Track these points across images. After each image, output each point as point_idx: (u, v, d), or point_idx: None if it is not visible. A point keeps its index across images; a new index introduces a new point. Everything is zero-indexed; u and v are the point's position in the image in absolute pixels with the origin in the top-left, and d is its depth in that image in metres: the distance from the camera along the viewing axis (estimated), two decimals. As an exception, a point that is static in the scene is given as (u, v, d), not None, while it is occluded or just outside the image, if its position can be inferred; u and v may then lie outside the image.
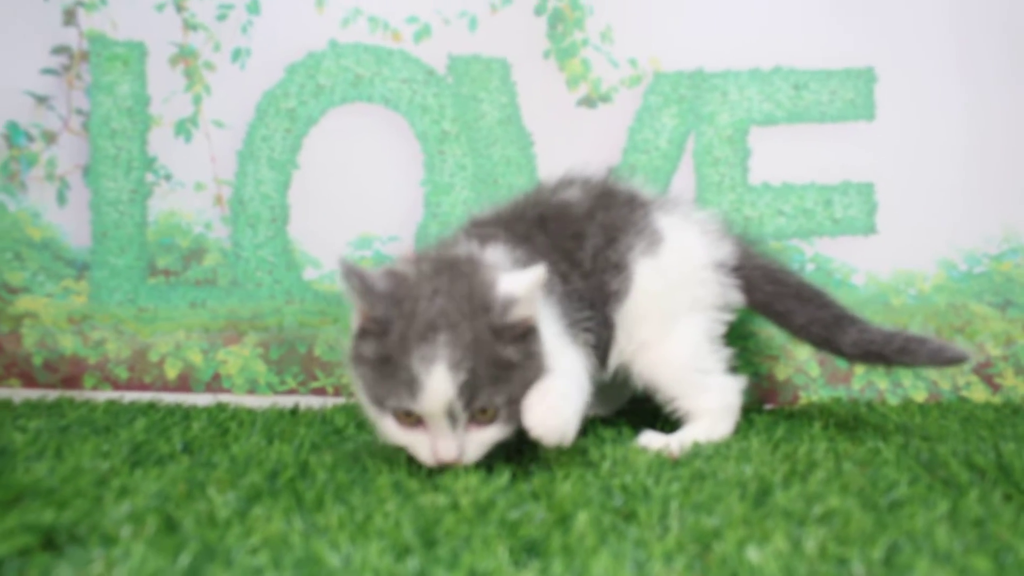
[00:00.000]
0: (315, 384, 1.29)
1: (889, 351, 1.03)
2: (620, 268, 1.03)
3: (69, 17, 1.30)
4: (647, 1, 1.28)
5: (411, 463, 0.86)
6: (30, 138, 1.30)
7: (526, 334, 0.84)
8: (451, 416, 0.81)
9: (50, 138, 1.30)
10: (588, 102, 1.29)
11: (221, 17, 1.29)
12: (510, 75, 1.29)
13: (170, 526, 0.66)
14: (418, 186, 1.28)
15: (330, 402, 1.24)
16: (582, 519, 0.67)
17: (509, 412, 0.83)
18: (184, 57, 1.30)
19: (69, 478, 0.78)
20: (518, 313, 0.82)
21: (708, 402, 1.05)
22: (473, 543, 0.62)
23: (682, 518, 0.69)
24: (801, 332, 1.09)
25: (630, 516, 0.71)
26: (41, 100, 1.30)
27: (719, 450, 0.96)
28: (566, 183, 1.09)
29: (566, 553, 0.61)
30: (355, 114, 1.29)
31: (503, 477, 0.79)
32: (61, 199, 1.30)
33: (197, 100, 1.29)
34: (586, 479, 0.82)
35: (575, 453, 0.93)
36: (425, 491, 0.76)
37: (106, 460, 0.88)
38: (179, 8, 1.29)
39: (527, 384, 0.84)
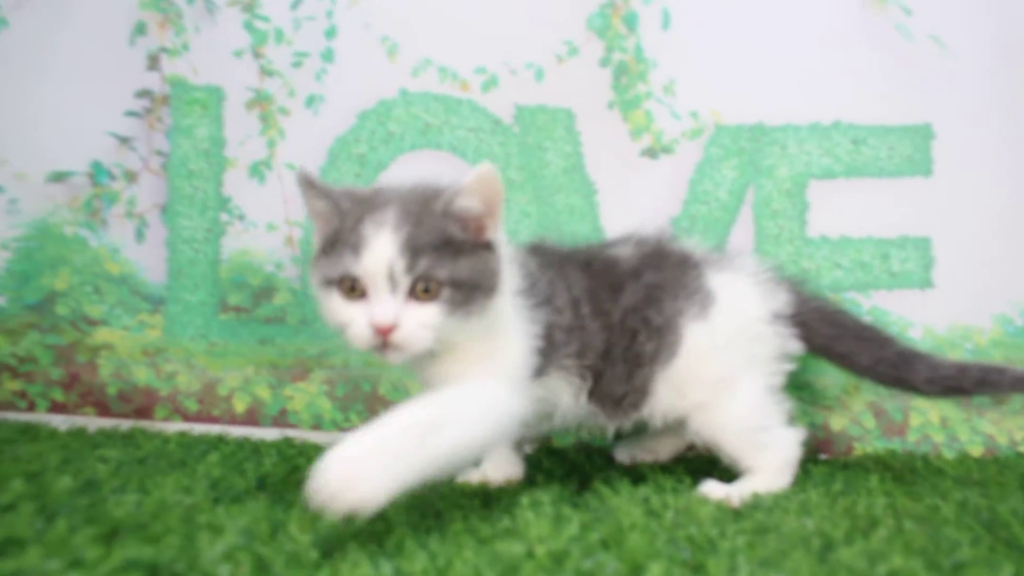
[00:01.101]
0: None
1: (968, 383, 1.05)
2: (664, 331, 1.03)
3: (152, 62, 1.35)
4: (709, 55, 1.31)
5: (484, 507, 0.88)
6: (112, 177, 1.35)
7: (481, 237, 0.89)
8: (392, 280, 0.84)
9: (131, 177, 1.35)
10: (651, 153, 1.32)
11: (296, 64, 1.34)
12: (575, 125, 1.33)
13: (262, 566, 0.70)
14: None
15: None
16: (655, 571, 0.69)
17: (452, 296, 0.86)
18: (260, 102, 1.35)
19: (158, 513, 0.82)
20: (464, 202, 0.88)
21: (769, 459, 1.06)
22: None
23: (751, 573, 0.71)
24: (868, 373, 1.10)
25: (699, 568, 0.73)
26: (123, 141, 1.35)
27: (779, 502, 0.98)
28: (622, 240, 1.11)
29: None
30: (423, 161, 1.33)
31: (573, 525, 0.82)
32: (140, 236, 1.35)
33: (271, 144, 1.34)
34: (651, 529, 0.84)
35: (638, 502, 0.95)
36: (500, 538, 0.79)
37: (188, 495, 0.92)
38: (256, 55, 1.35)
39: (477, 280, 0.87)
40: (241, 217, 1.34)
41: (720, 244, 1.31)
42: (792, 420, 1.09)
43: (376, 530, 0.80)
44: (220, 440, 1.23)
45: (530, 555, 0.73)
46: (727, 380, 1.04)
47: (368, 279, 0.85)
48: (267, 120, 1.34)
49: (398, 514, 0.85)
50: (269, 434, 1.29)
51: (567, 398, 1.02)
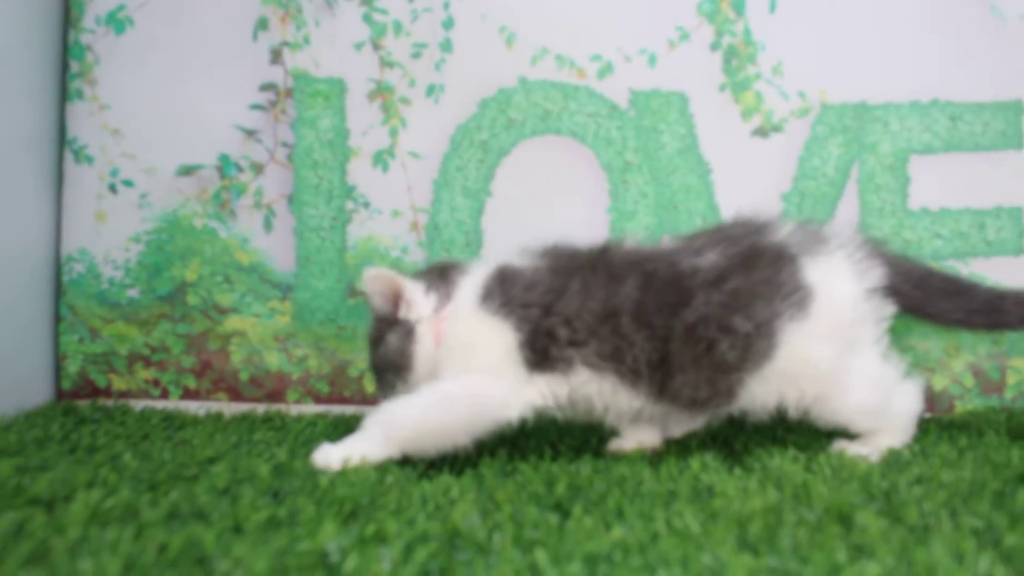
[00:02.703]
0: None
1: None
2: (754, 337, 1.01)
3: (276, 56, 1.39)
4: (815, 38, 1.37)
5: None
6: (240, 169, 1.39)
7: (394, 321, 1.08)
8: None
9: (258, 169, 1.39)
10: (761, 132, 1.38)
11: (416, 55, 1.39)
12: (688, 108, 1.38)
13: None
14: (604, 213, 1.37)
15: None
16: (864, 519, 0.76)
17: (379, 382, 1.12)
18: (381, 92, 1.39)
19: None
20: (374, 302, 1.10)
21: (894, 420, 1.11)
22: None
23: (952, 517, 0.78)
24: (962, 325, 1.15)
25: (897, 518, 0.80)
26: (250, 134, 1.39)
27: (917, 457, 1.05)
28: (712, 241, 1.07)
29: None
30: (544, 146, 1.38)
31: (768, 487, 0.88)
32: (268, 226, 1.39)
33: (394, 133, 1.39)
34: (832, 483, 0.90)
35: (793, 461, 1.02)
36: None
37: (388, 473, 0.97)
38: (376, 47, 1.39)
39: (384, 364, 1.08)
40: (366, 205, 1.39)
41: (828, 218, 1.37)
42: (907, 373, 1.13)
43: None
44: (355, 420, 1.28)
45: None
46: (838, 369, 1.05)
47: None
48: (389, 110, 1.39)
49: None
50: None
51: (623, 397, 1.04)
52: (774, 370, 1.03)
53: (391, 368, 1.07)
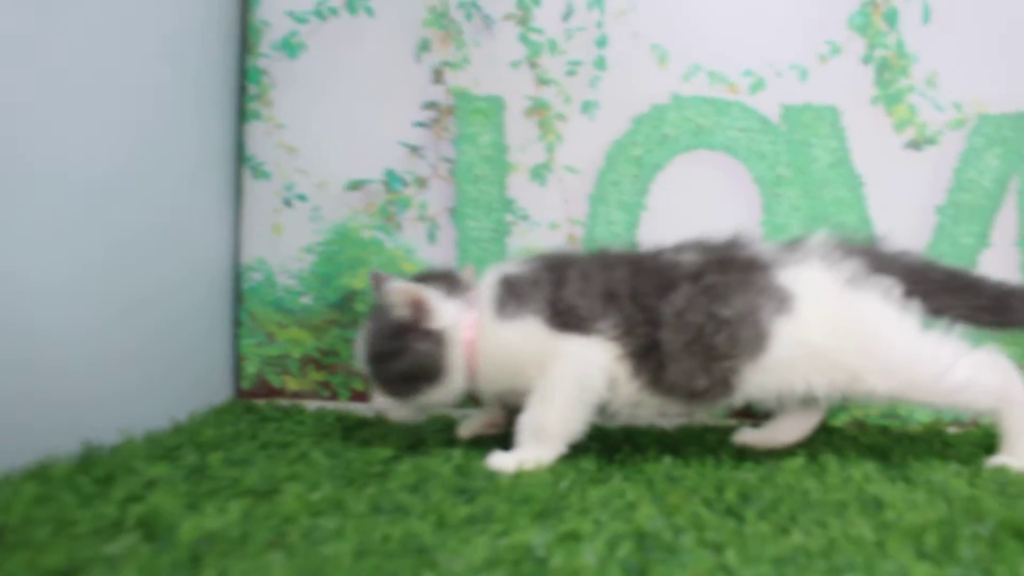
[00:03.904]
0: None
1: None
2: (738, 324, 1.07)
3: (437, 76, 1.47)
4: (971, 47, 1.37)
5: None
6: (405, 184, 1.47)
7: (420, 332, 1.12)
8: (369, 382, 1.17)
9: (422, 183, 1.47)
10: (914, 144, 1.39)
11: (571, 73, 1.44)
12: (839, 121, 1.40)
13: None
14: (757, 226, 1.40)
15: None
16: None
17: (394, 391, 1.16)
18: (538, 109, 1.45)
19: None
20: (396, 313, 1.12)
21: (974, 394, 1.08)
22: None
23: None
24: (968, 321, 1.11)
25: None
26: (414, 150, 1.47)
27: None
28: (682, 247, 1.15)
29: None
30: (698, 160, 1.42)
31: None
32: (431, 237, 1.47)
33: (550, 148, 1.44)
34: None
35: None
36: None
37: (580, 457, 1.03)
38: (532, 65, 1.45)
39: (411, 373, 1.12)
40: (525, 217, 1.45)
41: (984, 231, 1.37)
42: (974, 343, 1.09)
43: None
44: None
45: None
46: (856, 352, 1.07)
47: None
48: (545, 126, 1.45)
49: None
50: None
51: (624, 386, 1.10)
52: (773, 360, 1.07)
53: (424, 374, 1.12)
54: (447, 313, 1.12)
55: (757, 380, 1.09)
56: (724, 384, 1.09)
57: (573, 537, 0.76)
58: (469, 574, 0.66)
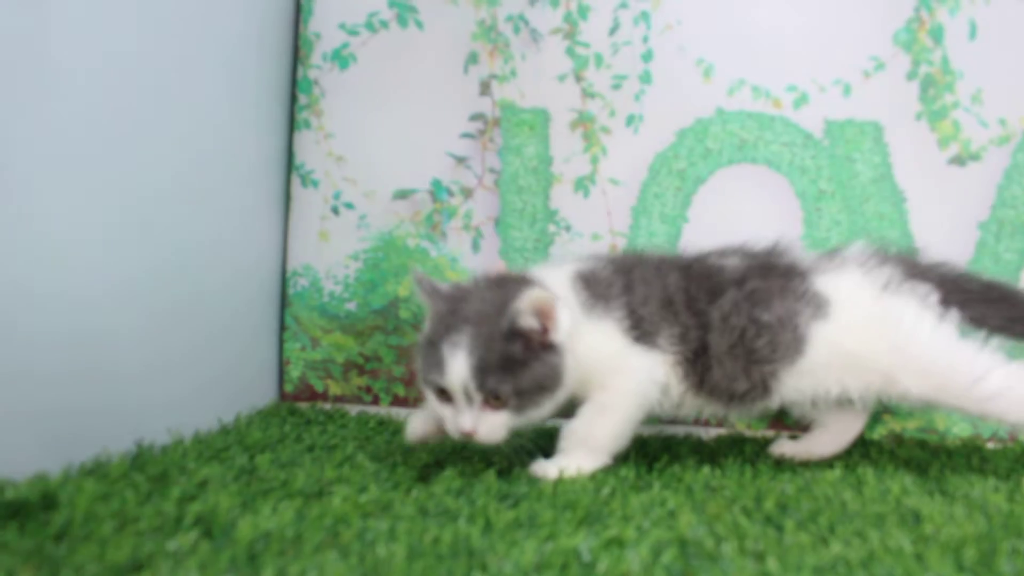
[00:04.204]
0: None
1: None
2: (778, 328, 1.10)
3: (484, 88, 1.49)
4: (1018, 63, 1.38)
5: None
6: (451, 193, 1.50)
7: (542, 343, 1.04)
8: (467, 395, 1.02)
9: (467, 193, 1.50)
10: (958, 160, 1.39)
11: (616, 87, 1.46)
12: (883, 137, 1.41)
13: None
14: (799, 240, 1.41)
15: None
16: None
17: (518, 403, 1.03)
18: (583, 122, 1.47)
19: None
20: (523, 322, 1.03)
21: (1008, 405, 1.09)
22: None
23: None
24: (1003, 332, 1.13)
25: None
26: (460, 160, 1.50)
27: None
28: (726, 252, 1.19)
29: None
30: (740, 175, 1.43)
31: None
32: (475, 247, 1.50)
33: (594, 160, 1.47)
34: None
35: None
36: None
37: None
38: (578, 79, 1.47)
39: (539, 385, 1.04)
40: (568, 228, 1.47)
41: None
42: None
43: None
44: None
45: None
46: (889, 353, 1.09)
47: (451, 392, 1.04)
48: (590, 138, 1.47)
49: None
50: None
51: (674, 390, 1.14)
52: (809, 363, 1.11)
53: (547, 387, 1.05)
54: (566, 320, 1.06)
55: (793, 383, 1.12)
56: (763, 387, 1.13)
57: (617, 543, 0.78)
58: (519, 576, 0.68)
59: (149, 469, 1.01)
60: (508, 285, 1.09)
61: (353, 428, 1.36)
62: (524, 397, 1.04)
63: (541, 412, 1.07)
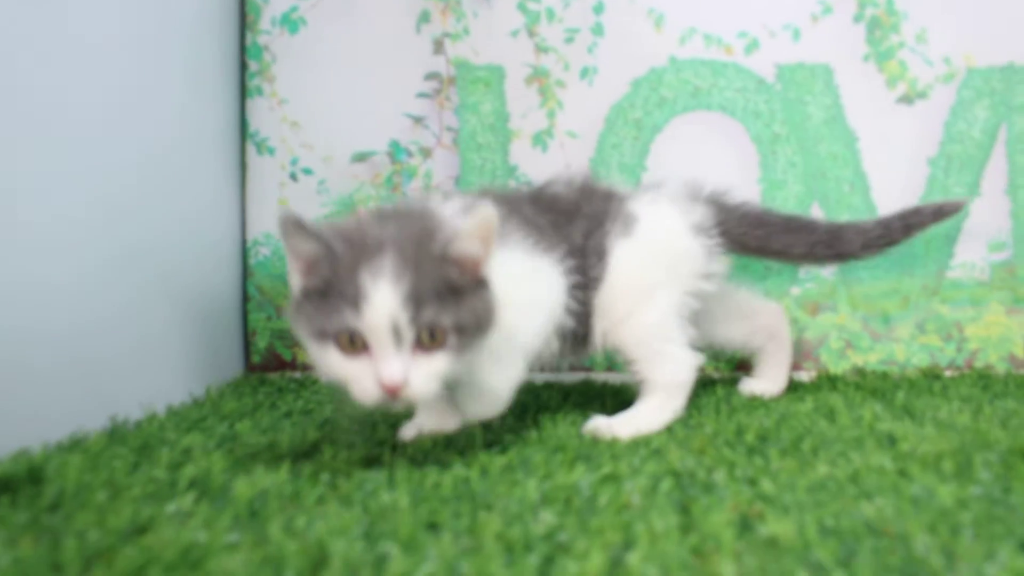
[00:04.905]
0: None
1: (896, 233, 1.23)
2: (600, 254, 1.09)
3: (438, 47, 1.49)
4: (959, 3, 1.41)
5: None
6: (409, 154, 1.49)
7: (477, 276, 0.86)
8: (396, 334, 0.80)
9: (426, 153, 1.49)
10: (906, 99, 1.43)
11: (569, 40, 1.47)
12: (833, 79, 1.44)
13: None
14: (755, 183, 1.44)
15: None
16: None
17: (458, 342, 0.83)
18: (538, 77, 1.48)
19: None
20: (464, 246, 0.84)
21: (664, 375, 1.10)
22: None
23: None
24: (808, 259, 1.23)
25: None
26: (417, 120, 1.49)
27: None
28: (551, 183, 1.17)
29: None
30: (696, 122, 1.45)
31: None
32: (436, 206, 1.49)
33: (551, 115, 1.47)
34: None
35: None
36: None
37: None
38: (531, 34, 1.47)
39: (479, 321, 0.85)
40: (528, 183, 1.48)
41: (975, 181, 1.41)
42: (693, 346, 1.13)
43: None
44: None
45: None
46: (647, 292, 1.10)
47: (371, 334, 0.81)
48: (545, 93, 1.47)
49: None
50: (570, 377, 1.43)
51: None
52: (608, 289, 1.10)
53: (484, 326, 0.90)
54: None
55: (596, 316, 1.11)
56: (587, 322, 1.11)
57: (613, 478, 0.79)
58: (527, 511, 0.69)
59: (130, 441, 1.00)
60: (413, 213, 0.94)
61: (326, 393, 1.35)
62: (465, 335, 0.84)
63: (473, 357, 0.88)
